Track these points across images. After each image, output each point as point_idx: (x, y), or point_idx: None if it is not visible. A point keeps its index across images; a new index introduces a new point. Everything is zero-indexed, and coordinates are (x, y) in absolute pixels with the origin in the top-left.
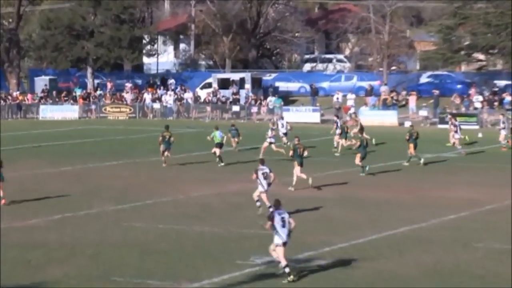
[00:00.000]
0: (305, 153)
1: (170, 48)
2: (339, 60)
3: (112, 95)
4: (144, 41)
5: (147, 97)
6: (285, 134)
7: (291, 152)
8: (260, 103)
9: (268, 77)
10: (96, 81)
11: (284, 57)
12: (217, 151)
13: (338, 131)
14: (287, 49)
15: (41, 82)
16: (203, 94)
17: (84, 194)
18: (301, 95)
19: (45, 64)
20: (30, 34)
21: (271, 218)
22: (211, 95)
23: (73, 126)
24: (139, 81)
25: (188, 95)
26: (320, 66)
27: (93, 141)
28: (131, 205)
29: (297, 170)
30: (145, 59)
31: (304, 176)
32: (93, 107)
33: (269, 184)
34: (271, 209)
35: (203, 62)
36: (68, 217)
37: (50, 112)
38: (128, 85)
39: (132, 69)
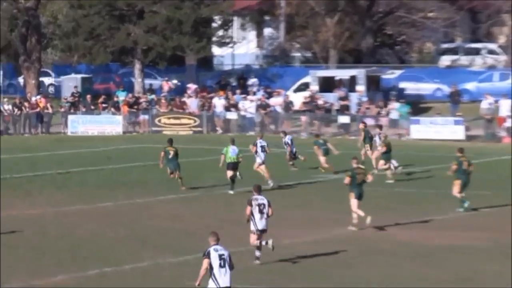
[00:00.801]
0: (369, 179)
1: (251, 35)
2: (491, 52)
3: (169, 100)
4: (214, 25)
5: (218, 103)
6: (294, 155)
7: (347, 180)
8: (379, 112)
9: (389, 75)
10: (147, 81)
11: (412, 46)
12: (229, 173)
13: None
14: (416, 36)
15: (70, 83)
16: (297, 99)
17: (130, 241)
18: (436, 100)
19: (76, 57)
20: (55, 15)
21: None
22: (309, 100)
23: (115, 145)
24: (208, 81)
25: (276, 101)
26: (463, 60)
27: (142, 166)
28: (195, 256)
29: (353, 203)
30: (216, 50)
31: (361, 212)
32: (142, 117)
33: (267, 218)
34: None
35: (297, 54)
36: (107, 273)
37: (82, 124)
38: (192, 86)
39: (198, 64)
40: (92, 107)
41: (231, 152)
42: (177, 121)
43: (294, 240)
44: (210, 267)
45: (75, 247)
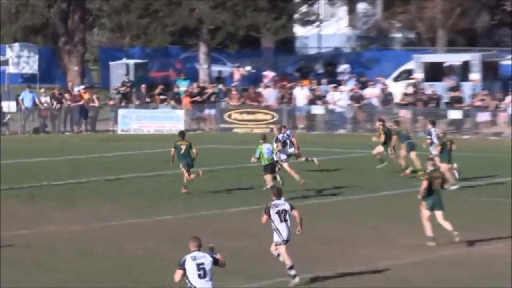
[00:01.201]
0: (448, 185)
1: (342, 11)
2: None
3: (241, 91)
4: None
5: (301, 95)
6: (288, 156)
7: (425, 184)
8: (497, 107)
9: (509, 61)
10: (215, 67)
11: None
12: (268, 179)
13: None
14: None
15: (121, 70)
16: (398, 89)
17: None
18: None
19: (128, 39)
20: None
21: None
22: (412, 90)
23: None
24: (288, 68)
25: (372, 92)
26: None
27: (208, 171)
28: (274, 281)
29: (438, 215)
30: (298, 30)
31: (448, 226)
32: (208, 112)
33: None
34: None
35: (398, 35)
36: None
37: (135, 120)
38: (269, 74)
39: (276, 47)
40: (148, 100)
41: (266, 152)
42: (251, 117)
43: (392, 262)
44: (187, 279)
45: (125, 270)
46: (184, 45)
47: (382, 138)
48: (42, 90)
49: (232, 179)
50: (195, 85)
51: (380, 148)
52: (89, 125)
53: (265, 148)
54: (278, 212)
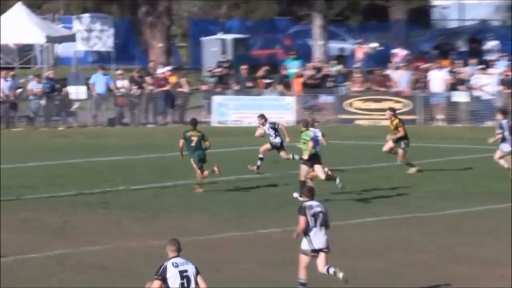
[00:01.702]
0: None
1: None
2: None
3: (365, 74)
4: None
5: (438, 78)
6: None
7: None
8: None
9: None
10: (333, 44)
11: None
12: (318, 170)
13: None
14: None
15: (215, 47)
16: None
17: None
18: None
19: (224, 9)
20: None
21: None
22: None
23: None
24: (423, 45)
25: None
26: None
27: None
28: None
29: None
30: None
31: None
32: (325, 99)
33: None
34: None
35: None
36: None
37: (234, 110)
38: (400, 52)
39: (408, 19)
40: (249, 84)
41: (312, 138)
42: (377, 105)
43: None
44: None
45: None
46: (295, 17)
47: (402, 132)
48: (118, 72)
49: (354, 182)
50: (308, 66)
51: (391, 144)
52: (176, 116)
53: (310, 132)
54: (313, 215)
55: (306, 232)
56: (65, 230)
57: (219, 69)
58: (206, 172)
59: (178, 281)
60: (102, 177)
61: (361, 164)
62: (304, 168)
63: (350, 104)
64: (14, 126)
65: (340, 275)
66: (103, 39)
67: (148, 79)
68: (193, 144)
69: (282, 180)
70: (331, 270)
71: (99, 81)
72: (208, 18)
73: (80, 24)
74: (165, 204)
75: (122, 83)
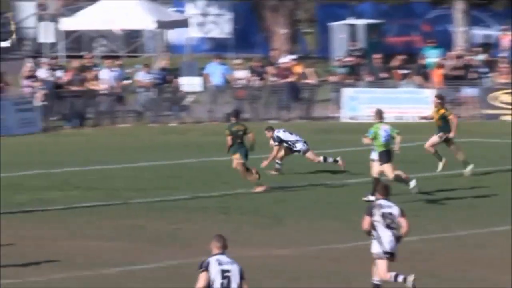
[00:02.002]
0: None
1: None
2: None
3: None
4: None
5: None
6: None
7: None
8: None
9: None
10: (477, 31)
11: None
12: (388, 168)
13: None
14: None
15: (345, 34)
16: None
17: None
18: None
19: None
20: None
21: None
22: None
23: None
24: None
25: None
26: None
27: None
28: None
29: None
30: None
31: None
32: (468, 92)
33: (398, 239)
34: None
35: None
36: None
37: (366, 104)
38: None
39: None
40: (384, 75)
41: (383, 134)
42: None
43: None
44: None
45: None
46: (434, 0)
47: (455, 121)
48: (238, 61)
49: (500, 186)
50: (449, 55)
51: (435, 139)
52: (301, 110)
53: (382, 129)
54: (383, 215)
55: (370, 233)
56: (178, 238)
57: (350, 58)
58: (253, 173)
59: (218, 279)
60: (220, 179)
61: (507, 164)
62: (374, 165)
63: (496, 98)
64: (120, 122)
65: (410, 279)
66: (220, 24)
67: (270, 69)
68: (238, 140)
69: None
70: (400, 278)
71: (215, 71)
72: (337, 1)
73: (194, 8)
74: (290, 209)
75: (241, 74)
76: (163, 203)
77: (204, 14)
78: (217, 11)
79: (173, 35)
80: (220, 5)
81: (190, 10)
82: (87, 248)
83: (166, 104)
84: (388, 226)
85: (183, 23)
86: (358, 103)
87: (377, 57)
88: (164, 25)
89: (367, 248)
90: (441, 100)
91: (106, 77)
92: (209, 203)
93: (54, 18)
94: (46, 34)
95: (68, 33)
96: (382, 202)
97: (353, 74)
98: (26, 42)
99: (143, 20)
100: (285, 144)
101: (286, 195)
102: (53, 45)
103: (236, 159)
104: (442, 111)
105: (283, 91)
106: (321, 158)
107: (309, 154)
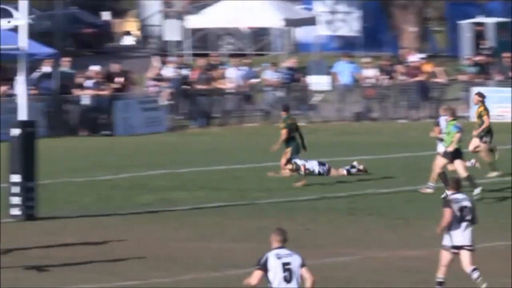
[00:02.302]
0: None
1: None
2: None
3: None
4: None
5: None
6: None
7: None
8: None
9: None
10: None
11: None
12: (459, 165)
13: None
14: None
15: (474, 32)
16: None
17: None
18: None
19: None
20: None
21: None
22: None
23: None
24: None
25: None
26: None
27: None
28: None
29: None
30: None
31: None
32: None
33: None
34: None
35: None
36: None
37: (497, 103)
38: None
39: None
40: None
41: (453, 130)
42: None
43: None
44: (269, 282)
45: None
46: None
47: (487, 121)
48: (366, 60)
49: None
50: None
51: (476, 142)
52: (431, 109)
53: (452, 126)
54: (460, 209)
55: (450, 227)
56: (306, 239)
57: (479, 57)
58: (288, 168)
59: (280, 273)
60: (348, 179)
61: None
62: (441, 161)
63: None
64: (248, 121)
65: (483, 286)
66: (349, 22)
67: (399, 68)
68: (295, 136)
69: None
70: (475, 275)
71: (344, 70)
72: (467, 0)
73: (323, 5)
74: (420, 209)
75: (370, 73)
76: (291, 203)
77: (332, 12)
78: (345, 9)
79: (301, 33)
80: (349, 3)
81: (319, 8)
82: (214, 249)
83: (294, 103)
84: (462, 219)
85: (311, 21)
86: (487, 103)
87: (507, 56)
88: (292, 23)
89: (501, 248)
90: (482, 97)
91: (233, 76)
92: (337, 203)
93: (180, 16)
94: (171, 32)
95: (194, 31)
96: (457, 196)
97: (483, 73)
98: (152, 40)
99: (271, 18)
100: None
101: (415, 195)
102: (178, 43)
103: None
104: (481, 108)
105: (412, 90)
106: (345, 171)
107: (333, 172)
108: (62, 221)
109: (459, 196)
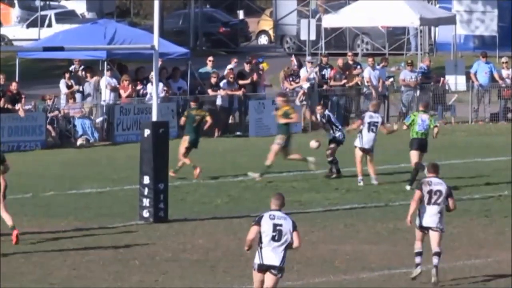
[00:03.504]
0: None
1: None
2: None
3: None
4: None
5: None
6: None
7: None
8: None
9: None
10: None
11: None
12: (414, 156)
13: None
14: None
15: None
16: None
17: None
18: None
19: None
20: None
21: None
22: None
23: None
24: None
25: None
26: None
27: None
28: None
29: None
30: None
31: None
32: None
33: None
34: None
35: None
36: None
37: None
38: None
39: None
40: None
41: (419, 122)
42: None
43: None
44: (259, 238)
45: None
46: None
47: None
48: (503, 60)
49: None
50: None
51: None
52: None
53: (420, 118)
54: (429, 192)
55: (419, 208)
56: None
57: None
58: (187, 159)
59: (270, 232)
60: (484, 181)
61: None
62: (413, 154)
63: None
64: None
65: (433, 279)
66: (486, 22)
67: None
68: (194, 124)
69: None
70: (435, 260)
71: (481, 70)
72: None
73: (460, 5)
74: None
75: (508, 73)
76: None
77: (470, 11)
78: (482, 8)
79: (439, 33)
80: (486, 2)
81: (456, 7)
82: (346, 251)
83: (430, 103)
84: (434, 203)
85: (449, 20)
86: None
87: None
88: (429, 22)
89: None
90: None
91: (369, 76)
92: (471, 205)
93: (315, 15)
94: (307, 31)
95: (330, 31)
96: (431, 179)
97: None
98: (287, 39)
99: (408, 17)
100: (327, 126)
101: None
102: (314, 42)
103: None
104: None
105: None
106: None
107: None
108: (193, 223)
109: (434, 180)
